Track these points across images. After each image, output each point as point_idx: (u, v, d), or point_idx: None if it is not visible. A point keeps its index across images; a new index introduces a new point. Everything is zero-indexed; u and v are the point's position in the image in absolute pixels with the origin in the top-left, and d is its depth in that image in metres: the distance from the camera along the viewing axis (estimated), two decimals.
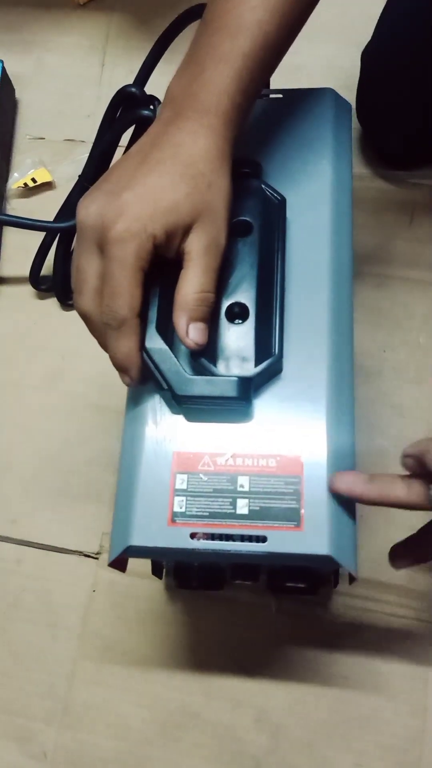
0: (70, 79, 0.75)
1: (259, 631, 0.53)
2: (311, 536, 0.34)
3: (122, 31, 0.78)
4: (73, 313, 0.65)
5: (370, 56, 0.62)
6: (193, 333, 0.35)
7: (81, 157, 0.70)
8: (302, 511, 0.35)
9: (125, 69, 0.75)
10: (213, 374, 0.37)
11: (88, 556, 0.56)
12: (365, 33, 0.65)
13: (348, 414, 0.38)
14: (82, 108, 0.73)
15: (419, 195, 0.66)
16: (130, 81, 0.75)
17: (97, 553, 0.56)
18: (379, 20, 0.61)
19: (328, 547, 0.34)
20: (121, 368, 0.36)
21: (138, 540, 0.35)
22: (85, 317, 0.37)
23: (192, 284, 0.35)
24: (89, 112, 0.73)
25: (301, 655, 0.52)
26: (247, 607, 0.53)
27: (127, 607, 0.54)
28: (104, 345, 0.36)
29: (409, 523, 0.54)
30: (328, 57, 0.71)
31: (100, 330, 0.36)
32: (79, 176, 0.60)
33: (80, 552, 0.56)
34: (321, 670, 0.52)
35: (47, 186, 0.70)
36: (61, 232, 0.59)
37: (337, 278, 0.40)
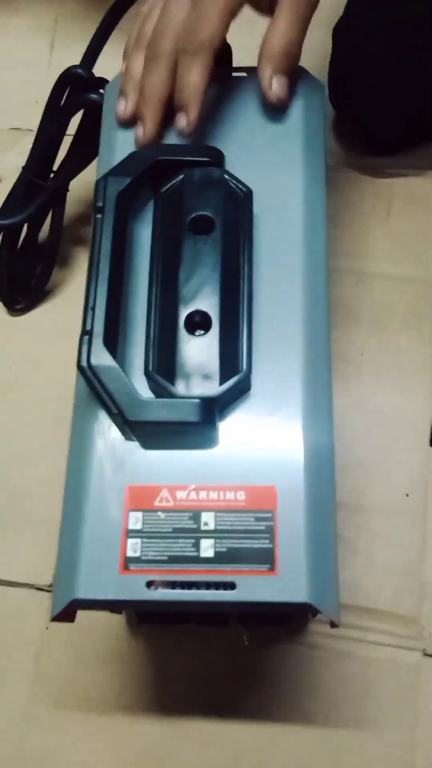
0: (15, 63, 0.69)
1: (230, 666, 0.48)
2: (287, 581, 0.30)
3: (73, 11, 0.72)
4: (21, 319, 0.60)
5: (342, 34, 0.58)
6: (276, 86, 0.35)
7: (28, 146, 0.64)
8: (276, 551, 0.30)
9: (76, 51, 0.68)
10: (171, 395, 0.32)
11: (41, 590, 0.51)
12: (333, 11, 0.60)
13: (327, 433, 0.34)
14: (29, 94, 0.67)
15: (396, 186, 0.62)
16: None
17: (50, 586, 0.50)
18: None
19: (307, 593, 0.29)
20: (182, 104, 0.35)
21: (84, 592, 0.30)
22: (155, 46, 0.36)
23: (280, 34, 0.35)
24: (37, 98, 0.66)
25: (278, 690, 0.48)
26: (217, 640, 0.48)
27: (85, 646, 0.49)
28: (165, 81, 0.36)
29: (397, 541, 0.51)
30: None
31: (167, 62, 0.35)
32: (23, 168, 0.55)
33: (31, 585, 0.51)
34: (300, 707, 0.47)
35: None
36: (5, 230, 0.53)
37: (311, 280, 0.35)
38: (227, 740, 0.47)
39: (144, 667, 0.48)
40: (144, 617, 0.43)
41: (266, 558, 0.30)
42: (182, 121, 0.35)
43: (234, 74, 0.39)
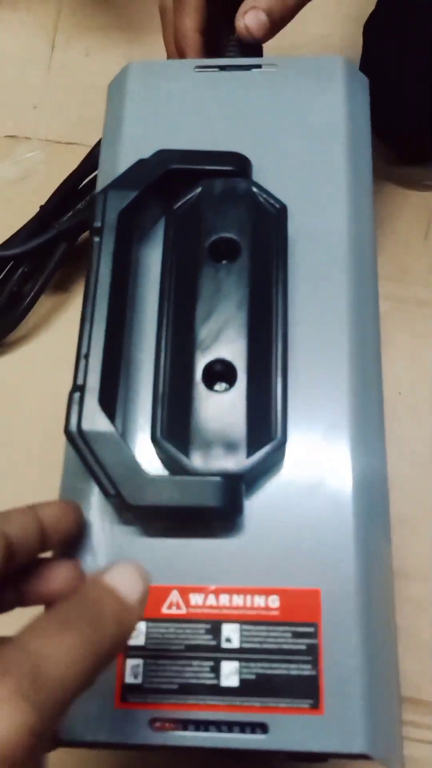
0: (13, 63, 0.63)
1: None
2: (337, 724, 0.22)
3: (76, 7, 0.66)
4: (11, 353, 0.54)
5: (373, 29, 0.51)
6: (251, 17, 0.32)
7: (26, 156, 0.58)
8: (322, 681, 0.23)
9: (79, 50, 0.63)
10: (185, 470, 0.24)
11: None
12: (365, 5, 0.54)
13: (381, 515, 0.27)
14: (28, 98, 0.61)
15: None
16: (85, 64, 0.63)
17: None
18: None
19: (365, 740, 0.22)
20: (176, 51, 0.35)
21: (69, 732, 0.23)
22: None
23: None
24: (36, 102, 0.61)
25: None
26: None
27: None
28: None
29: None
30: (323, 36, 0.60)
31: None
32: (41, 207, 0.48)
33: None
34: None
35: None
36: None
37: (359, 318, 0.28)
38: None
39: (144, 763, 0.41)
40: None
41: (308, 690, 0.23)
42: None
43: (264, 67, 0.32)
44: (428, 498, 0.46)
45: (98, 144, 0.51)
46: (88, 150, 0.52)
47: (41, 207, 0.50)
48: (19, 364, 0.52)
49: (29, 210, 0.52)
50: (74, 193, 0.49)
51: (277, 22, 0.33)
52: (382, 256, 0.53)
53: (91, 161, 0.50)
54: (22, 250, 0.47)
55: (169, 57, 0.39)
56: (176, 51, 0.37)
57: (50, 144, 0.59)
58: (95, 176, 0.47)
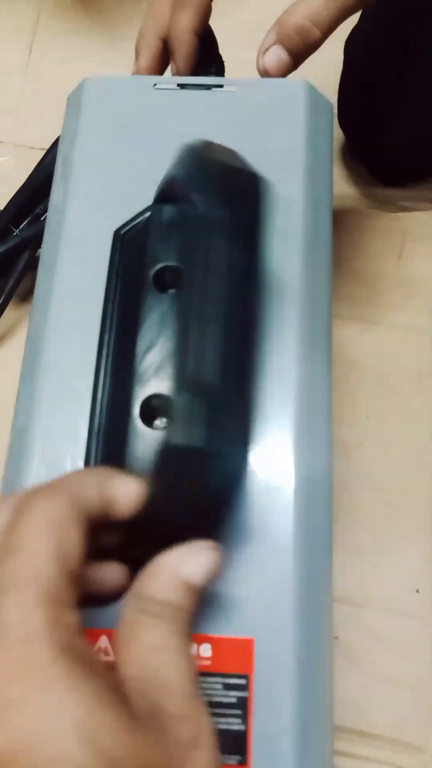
0: None
1: None
2: None
3: (56, 11, 0.65)
4: None
5: (354, 47, 0.50)
6: (271, 56, 0.31)
7: None
8: (249, 737, 0.22)
9: (57, 56, 0.62)
10: None
11: None
12: (345, 23, 0.53)
13: (323, 557, 0.26)
14: (3, 101, 0.60)
15: (410, 221, 0.54)
16: (63, 70, 0.62)
17: None
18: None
19: None
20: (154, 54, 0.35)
21: None
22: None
23: (304, 5, 0.31)
24: (11, 107, 0.59)
25: None
26: None
27: None
28: None
29: (403, 647, 0.42)
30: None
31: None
32: None
33: None
34: None
35: None
36: None
37: (310, 352, 0.27)
38: None
39: None
40: None
41: (237, 746, 0.22)
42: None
43: (225, 88, 0.31)
44: (389, 530, 0.45)
45: (51, 148, 0.50)
46: None
47: None
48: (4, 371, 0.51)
49: None
50: (32, 198, 0.48)
51: (298, 59, 0.32)
52: (355, 277, 0.52)
53: (45, 166, 0.49)
54: None
55: (139, 59, 0.36)
56: (154, 54, 0.35)
57: (23, 149, 0.58)
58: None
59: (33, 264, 0.50)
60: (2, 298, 0.48)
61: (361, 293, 0.52)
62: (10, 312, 0.51)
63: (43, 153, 0.55)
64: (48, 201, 0.47)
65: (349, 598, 0.43)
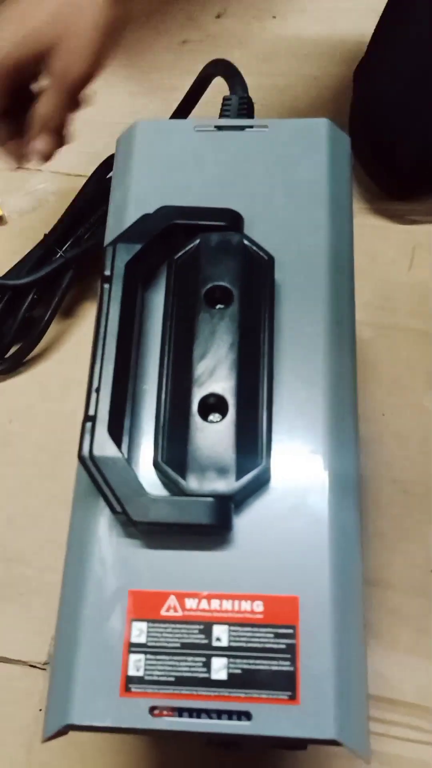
0: None
1: (236, 763, 0.44)
2: (311, 713, 0.26)
3: None
4: (24, 372, 0.57)
5: (363, 75, 0.55)
6: (39, 143, 0.43)
7: (37, 188, 0.62)
8: (298, 676, 0.26)
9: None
10: (182, 491, 0.28)
11: (35, 667, 0.47)
12: (356, 52, 0.58)
13: (353, 532, 0.30)
14: None
15: (420, 233, 0.59)
16: (93, 101, 0.67)
17: (46, 663, 0.47)
18: (375, 32, 0.54)
19: (335, 728, 0.26)
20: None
21: (79, 717, 0.26)
22: None
23: (45, 103, 0.41)
24: None
25: None
26: None
27: (81, 734, 0.45)
28: None
29: (423, 622, 0.47)
30: (314, 77, 0.64)
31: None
32: (45, 235, 0.52)
33: (25, 662, 0.47)
34: None
35: None
36: (12, 291, 0.50)
37: (337, 356, 0.32)
38: None
39: (141, 760, 0.44)
40: None
41: (287, 684, 0.26)
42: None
43: (255, 127, 0.36)
44: (406, 517, 0.49)
45: (92, 175, 0.54)
46: None
47: (45, 235, 0.54)
48: (30, 384, 0.56)
49: (38, 238, 0.56)
50: (75, 222, 0.53)
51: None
52: (368, 285, 0.57)
53: (88, 191, 0.54)
54: (35, 278, 0.51)
55: None
56: None
57: (59, 176, 0.63)
58: (93, 207, 0.51)
59: (75, 282, 0.55)
60: (49, 314, 0.53)
61: (374, 299, 0.56)
62: (54, 325, 0.56)
63: (77, 179, 0.60)
64: (88, 224, 0.53)
65: (370, 579, 0.48)
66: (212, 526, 0.27)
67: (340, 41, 0.65)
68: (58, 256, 0.52)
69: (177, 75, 0.65)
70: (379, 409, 0.53)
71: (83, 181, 0.59)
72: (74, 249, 0.52)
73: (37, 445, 0.54)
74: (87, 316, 0.57)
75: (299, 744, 0.33)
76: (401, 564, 0.48)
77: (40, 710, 0.46)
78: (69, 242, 0.52)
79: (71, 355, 0.56)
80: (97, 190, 0.52)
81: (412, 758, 0.44)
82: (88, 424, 0.28)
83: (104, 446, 0.28)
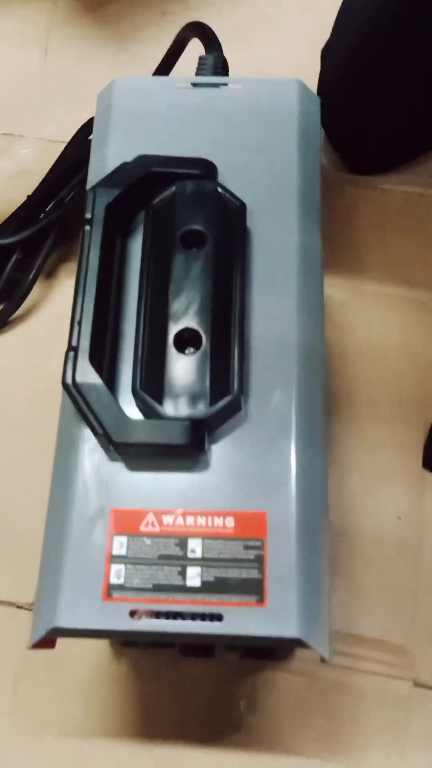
0: (8, 68, 0.68)
1: (214, 694, 0.46)
2: (276, 614, 0.28)
3: (68, 18, 0.71)
4: (8, 331, 0.59)
5: (330, 57, 0.57)
6: None
7: (21, 152, 0.63)
8: (266, 582, 0.29)
9: (71, 58, 0.68)
10: (159, 416, 0.30)
11: (21, 608, 0.49)
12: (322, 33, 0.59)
13: (320, 459, 0.33)
14: (22, 99, 0.66)
15: (391, 203, 0.61)
16: (76, 70, 0.69)
17: (32, 604, 0.49)
18: (338, 15, 0.56)
19: (297, 627, 0.28)
20: None
21: (65, 620, 0.29)
22: None
23: None
24: (29, 104, 0.66)
25: (264, 718, 0.46)
26: (201, 667, 0.47)
27: (66, 670, 0.47)
28: None
29: (389, 567, 0.49)
30: (292, 52, 0.66)
31: None
32: (28, 197, 0.54)
33: (12, 603, 0.49)
34: (285, 737, 0.46)
35: None
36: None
37: (307, 300, 0.34)
38: None
39: (126, 692, 0.47)
40: (127, 641, 0.42)
41: (255, 589, 0.29)
42: None
43: (230, 86, 0.38)
44: (374, 470, 0.52)
45: (72, 139, 0.56)
46: None
47: (29, 197, 0.55)
48: (14, 343, 0.57)
49: (20, 202, 0.58)
50: (57, 184, 0.54)
51: None
52: (342, 251, 0.59)
53: (69, 153, 0.55)
54: (20, 238, 0.52)
55: None
56: None
57: (43, 142, 0.64)
58: (75, 169, 0.53)
59: (58, 244, 0.56)
60: (32, 274, 0.55)
61: (347, 266, 0.59)
62: (37, 287, 0.57)
63: (60, 145, 0.62)
64: (70, 186, 0.54)
65: (340, 528, 0.50)
66: (187, 447, 0.29)
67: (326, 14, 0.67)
68: (41, 217, 0.54)
69: (158, 46, 0.66)
70: (351, 369, 0.56)
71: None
72: (56, 210, 0.54)
73: (20, 404, 0.56)
74: (69, 278, 0.59)
75: (269, 651, 0.36)
76: (372, 513, 0.51)
77: (27, 648, 0.48)
78: (51, 204, 0.54)
79: (54, 316, 0.58)
80: (77, 152, 0.54)
81: (374, 688, 0.46)
82: (71, 354, 0.30)
83: (86, 373, 0.30)
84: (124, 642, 0.42)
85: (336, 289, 0.58)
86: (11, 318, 0.57)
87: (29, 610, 0.49)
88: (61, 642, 0.48)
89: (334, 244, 0.59)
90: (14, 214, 0.54)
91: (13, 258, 0.53)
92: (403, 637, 0.48)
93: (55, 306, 0.59)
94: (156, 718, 0.46)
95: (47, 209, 0.54)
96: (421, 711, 0.46)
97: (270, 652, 0.37)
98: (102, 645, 0.48)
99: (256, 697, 0.47)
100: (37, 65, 0.68)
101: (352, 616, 0.48)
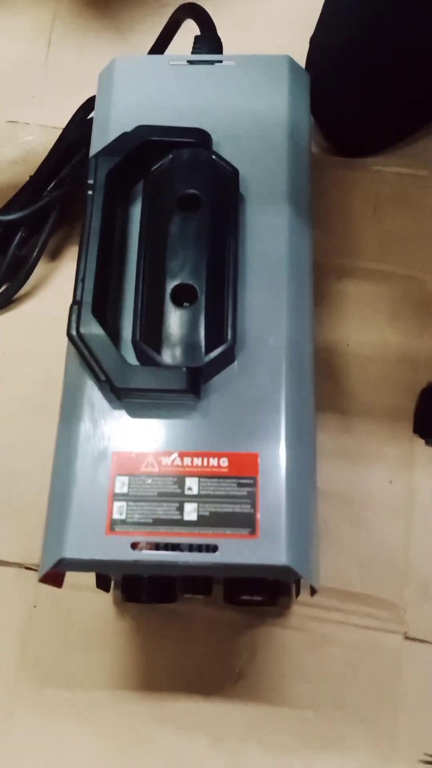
0: (12, 60, 0.71)
1: (214, 648, 0.48)
2: (267, 545, 0.31)
3: (70, 11, 0.73)
4: (14, 309, 0.61)
5: (318, 44, 0.59)
6: None
7: (25, 139, 0.66)
8: (257, 516, 0.31)
9: (73, 49, 0.71)
10: (158, 364, 0.33)
11: (29, 569, 0.51)
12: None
13: (308, 408, 0.35)
14: (26, 89, 0.69)
15: (382, 182, 0.63)
16: (78, 61, 0.71)
17: (38, 565, 0.51)
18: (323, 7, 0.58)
19: (287, 556, 0.30)
20: None
21: (72, 552, 0.31)
22: None
23: None
24: (34, 93, 0.68)
25: (261, 673, 0.48)
26: (202, 622, 0.49)
27: (72, 625, 0.49)
28: None
29: (379, 527, 0.52)
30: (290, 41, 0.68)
31: None
32: (30, 177, 0.56)
33: (19, 564, 0.51)
34: (281, 690, 0.48)
35: None
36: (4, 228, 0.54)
37: (296, 260, 0.36)
38: (210, 722, 0.47)
39: (129, 648, 0.49)
40: (130, 595, 0.44)
41: (248, 522, 0.31)
42: None
43: (224, 62, 0.40)
44: (367, 434, 0.54)
45: (74, 116, 0.58)
46: None
47: (31, 177, 0.57)
48: (20, 321, 0.59)
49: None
50: (58, 164, 0.56)
51: None
52: (334, 230, 0.61)
53: (69, 132, 0.57)
54: (23, 215, 0.54)
55: None
56: None
57: (46, 129, 0.67)
58: (75, 149, 0.55)
59: (60, 222, 0.58)
60: (36, 252, 0.57)
61: (339, 245, 0.61)
62: (41, 266, 0.60)
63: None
64: (70, 166, 0.56)
65: (332, 491, 0.52)
66: (184, 391, 0.32)
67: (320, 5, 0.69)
68: (43, 195, 0.55)
69: (156, 35, 0.69)
70: (343, 340, 0.58)
71: None
72: (58, 189, 0.55)
73: (26, 379, 0.58)
74: (72, 258, 0.61)
75: (267, 601, 0.38)
76: (363, 476, 0.53)
77: (35, 606, 0.50)
78: (53, 183, 0.56)
79: (58, 293, 0.60)
80: (77, 132, 0.56)
81: (366, 642, 0.48)
82: (75, 307, 0.32)
83: (89, 325, 0.32)
84: (126, 597, 0.44)
85: (330, 268, 0.60)
86: (16, 296, 0.59)
87: (36, 570, 0.51)
88: (66, 598, 0.50)
89: (328, 225, 0.61)
90: (18, 194, 0.56)
91: (18, 236, 0.55)
92: (393, 593, 0.50)
93: (59, 284, 0.61)
94: (158, 672, 0.48)
95: (49, 188, 0.56)
96: (412, 663, 0.48)
97: (267, 593, 0.39)
98: (106, 602, 0.50)
99: (255, 651, 0.49)
100: (41, 56, 0.71)
101: (344, 574, 0.50)
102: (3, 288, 0.58)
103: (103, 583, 0.43)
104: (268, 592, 0.38)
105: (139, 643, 0.49)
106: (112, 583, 0.45)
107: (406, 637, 0.49)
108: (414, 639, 0.49)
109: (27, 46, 0.72)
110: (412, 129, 0.62)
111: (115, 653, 0.49)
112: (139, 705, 0.48)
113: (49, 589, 0.49)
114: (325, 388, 0.56)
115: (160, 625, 0.49)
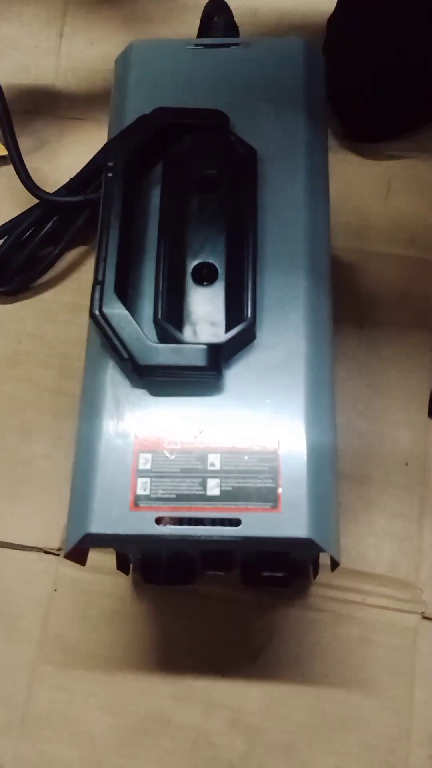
0: (25, 51, 0.71)
1: (232, 627, 0.49)
2: (289, 518, 0.31)
3: (80, 4, 0.74)
4: (32, 297, 0.62)
5: (336, 26, 0.59)
6: None
7: (39, 130, 0.66)
8: (279, 490, 0.31)
9: (85, 39, 0.71)
10: (179, 341, 0.33)
11: (49, 553, 0.52)
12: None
13: (327, 386, 0.35)
14: (40, 80, 0.69)
15: (395, 167, 0.63)
16: (90, 52, 0.71)
17: (59, 549, 0.52)
18: None
19: (308, 529, 0.31)
20: None
21: (97, 527, 0.31)
22: None
23: None
24: (48, 84, 0.69)
25: (279, 652, 0.49)
26: (221, 602, 0.49)
27: (91, 606, 0.50)
28: None
29: (396, 508, 0.52)
30: (300, 27, 0.68)
31: None
32: (71, 179, 0.57)
33: (39, 548, 0.52)
34: (299, 668, 0.48)
35: (2, 160, 0.65)
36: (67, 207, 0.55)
37: (314, 238, 0.37)
38: (229, 700, 0.48)
39: (148, 628, 0.50)
40: (149, 576, 0.44)
41: (270, 496, 0.31)
42: None
43: (239, 45, 0.41)
44: (383, 416, 0.54)
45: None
46: (93, 125, 0.61)
47: (71, 179, 0.58)
48: (36, 308, 0.60)
49: (41, 177, 0.60)
50: (99, 169, 0.57)
51: None
52: (347, 214, 0.62)
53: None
54: (63, 201, 0.55)
55: None
56: None
57: (61, 119, 0.67)
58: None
59: (88, 223, 0.59)
60: (64, 241, 0.58)
61: (352, 228, 0.61)
62: (60, 261, 0.60)
63: (77, 122, 0.65)
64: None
65: (350, 473, 0.53)
66: (205, 368, 0.32)
67: None
68: (80, 195, 0.56)
69: (165, 26, 0.70)
70: (357, 322, 0.58)
71: (82, 124, 0.64)
72: (95, 194, 0.56)
73: (45, 363, 0.59)
74: (90, 247, 0.62)
75: (285, 579, 0.38)
76: (379, 459, 0.53)
77: (55, 590, 0.51)
78: (92, 187, 0.57)
79: (75, 282, 0.61)
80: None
81: (384, 621, 0.49)
82: (98, 287, 0.33)
83: (112, 304, 0.32)
84: (145, 579, 0.45)
85: (343, 252, 0.60)
86: (33, 284, 0.60)
87: (56, 554, 0.51)
88: (85, 581, 0.50)
89: (341, 208, 0.62)
90: (61, 189, 0.57)
91: (50, 223, 0.56)
92: (410, 573, 0.50)
93: (80, 272, 0.61)
94: (177, 651, 0.49)
95: (88, 191, 0.56)
96: (429, 641, 0.49)
97: (286, 569, 0.39)
98: (124, 584, 0.50)
99: (273, 631, 0.49)
100: (53, 48, 0.71)
101: (361, 555, 0.51)
102: (19, 277, 0.59)
103: (123, 565, 0.43)
104: (286, 569, 0.39)
105: (157, 624, 0.50)
106: (131, 565, 0.46)
107: (424, 617, 0.49)
108: (431, 618, 0.49)
109: (38, 35, 0.72)
110: (427, 115, 0.62)
111: (134, 633, 0.49)
112: (158, 684, 0.48)
113: (69, 572, 0.50)
114: (339, 373, 0.57)
115: (178, 606, 0.50)
